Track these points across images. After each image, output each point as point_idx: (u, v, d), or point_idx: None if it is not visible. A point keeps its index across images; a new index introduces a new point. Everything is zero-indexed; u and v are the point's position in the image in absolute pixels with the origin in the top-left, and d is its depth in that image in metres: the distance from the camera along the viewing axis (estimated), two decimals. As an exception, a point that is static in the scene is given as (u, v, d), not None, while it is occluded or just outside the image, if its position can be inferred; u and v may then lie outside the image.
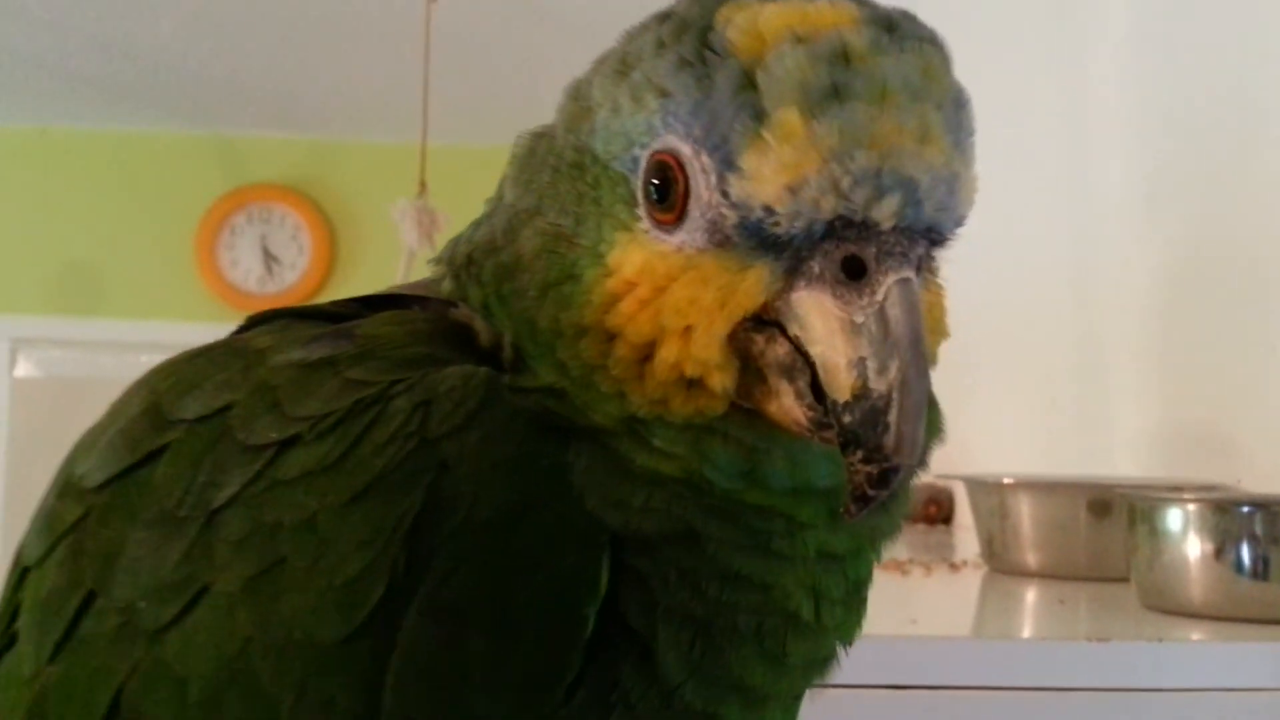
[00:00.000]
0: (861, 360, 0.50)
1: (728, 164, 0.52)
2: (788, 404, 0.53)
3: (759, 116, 0.51)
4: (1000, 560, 1.77)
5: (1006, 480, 1.78)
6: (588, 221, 0.57)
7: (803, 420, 0.53)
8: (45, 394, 5.59)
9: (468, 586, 0.53)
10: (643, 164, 0.55)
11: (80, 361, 5.71)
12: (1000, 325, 2.54)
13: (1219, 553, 1.35)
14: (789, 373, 0.53)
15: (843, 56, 0.51)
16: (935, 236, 0.54)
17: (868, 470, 0.51)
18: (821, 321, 0.51)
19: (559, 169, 0.59)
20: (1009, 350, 2.53)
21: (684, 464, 0.56)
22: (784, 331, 0.53)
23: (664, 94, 0.54)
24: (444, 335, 0.62)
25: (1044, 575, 1.69)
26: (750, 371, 0.54)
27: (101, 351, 5.58)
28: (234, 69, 5.02)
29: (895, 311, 0.50)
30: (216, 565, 0.55)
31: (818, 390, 0.52)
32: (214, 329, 0.66)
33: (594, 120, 0.57)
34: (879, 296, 0.50)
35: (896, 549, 2.10)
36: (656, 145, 0.54)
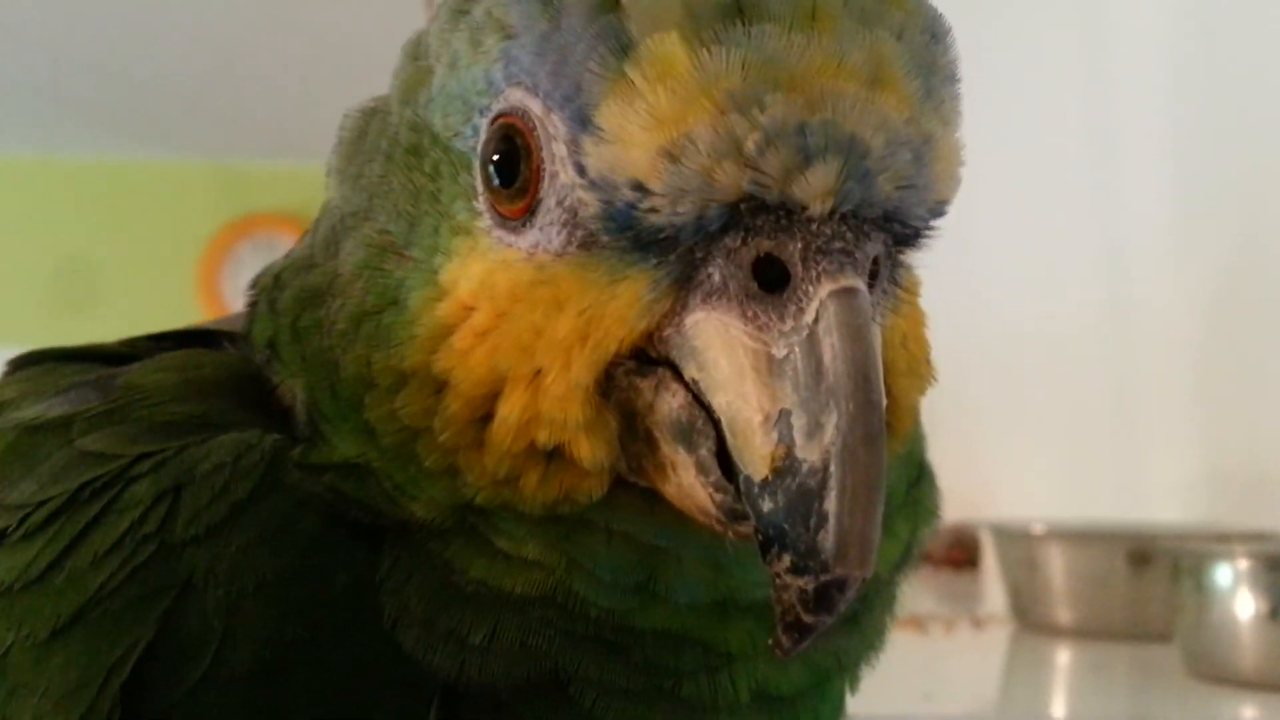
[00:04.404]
0: (784, 415, 0.33)
1: (582, 122, 0.35)
2: (687, 482, 0.36)
3: (622, 48, 0.34)
4: (1029, 616, 1.63)
5: (1037, 529, 1.64)
6: (422, 225, 0.40)
7: (709, 506, 0.36)
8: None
9: None
10: (483, 135, 0.38)
11: (85, 392, 5.68)
12: (1030, 358, 2.42)
13: (1274, 613, 1.21)
14: (686, 436, 0.35)
15: None
16: (899, 229, 0.36)
17: (799, 585, 0.33)
18: (725, 357, 0.34)
19: (392, 156, 0.42)
20: (1039, 384, 2.39)
21: (545, 575, 0.38)
22: (678, 374, 0.36)
23: (507, 32, 0.37)
24: (235, 386, 0.45)
25: (1077, 634, 1.55)
26: (638, 434, 0.37)
27: (107, 383, 5.55)
28: (236, 97, 5.05)
29: (833, 340, 0.33)
30: None
31: (730, 461, 0.35)
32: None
33: (431, 84, 0.41)
34: (808, 317, 0.33)
35: (916, 599, 1.97)
36: (499, 105, 0.37)
